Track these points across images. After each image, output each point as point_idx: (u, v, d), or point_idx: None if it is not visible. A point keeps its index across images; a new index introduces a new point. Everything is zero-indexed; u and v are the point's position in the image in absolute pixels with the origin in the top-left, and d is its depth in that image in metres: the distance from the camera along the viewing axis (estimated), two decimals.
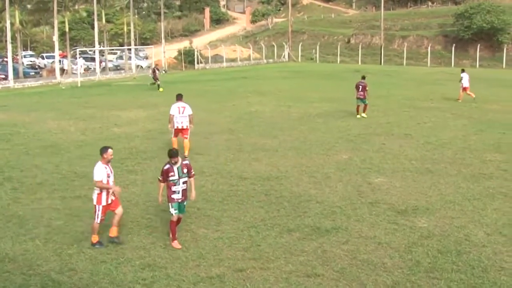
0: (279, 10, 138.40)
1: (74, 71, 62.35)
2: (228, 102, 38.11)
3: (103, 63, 71.32)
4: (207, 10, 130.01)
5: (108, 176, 12.70)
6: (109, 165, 12.83)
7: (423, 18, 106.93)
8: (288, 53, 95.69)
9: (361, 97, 31.81)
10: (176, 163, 12.74)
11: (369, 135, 26.25)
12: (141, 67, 73.38)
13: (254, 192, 16.99)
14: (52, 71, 64.78)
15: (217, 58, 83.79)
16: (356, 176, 18.85)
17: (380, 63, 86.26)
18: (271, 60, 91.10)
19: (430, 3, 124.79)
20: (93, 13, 71.46)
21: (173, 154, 12.76)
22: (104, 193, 12.74)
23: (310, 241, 12.92)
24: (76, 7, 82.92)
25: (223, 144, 24.32)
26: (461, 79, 39.55)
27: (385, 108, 35.50)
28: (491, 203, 15.99)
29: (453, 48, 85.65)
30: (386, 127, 28.37)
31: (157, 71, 49.83)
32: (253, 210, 15.26)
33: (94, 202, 12.82)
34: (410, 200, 16.21)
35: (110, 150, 12.83)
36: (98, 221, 12.82)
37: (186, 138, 21.87)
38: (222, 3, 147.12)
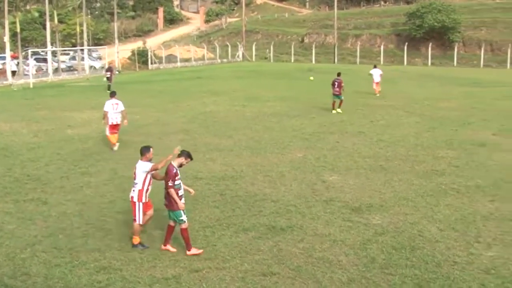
0: (233, 9, 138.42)
1: (26, 72, 61.42)
2: (183, 103, 37.98)
3: (56, 64, 70.35)
4: (160, 10, 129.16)
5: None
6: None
7: (376, 17, 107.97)
8: (242, 53, 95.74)
9: (337, 93, 33.53)
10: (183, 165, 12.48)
11: (323, 133, 26.43)
12: (95, 67, 72.67)
13: (209, 192, 16.98)
14: (3, 73, 63.71)
15: (171, 58, 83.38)
16: (311, 174, 18.97)
17: (334, 62, 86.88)
18: (225, 60, 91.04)
19: (382, 3, 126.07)
20: (45, 14, 70.37)
21: (190, 155, 12.52)
22: (144, 190, 12.61)
23: (265, 240, 12.95)
24: (28, 7, 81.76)
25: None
26: (371, 74, 41.05)
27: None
28: (443, 199, 16.24)
29: (405, 47, 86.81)
30: (340, 125, 28.59)
31: (111, 72, 49.31)
32: (208, 210, 15.25)
33: (135, 199, 12.66)
34: (364, 197, 16.37)
35: (152, 150, 12.87)
36: (141, 222, 12.74)
37: (116, 133, 23.30)
38: (176, 3, 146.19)
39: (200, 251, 12.31)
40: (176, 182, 12.18)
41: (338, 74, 34.71)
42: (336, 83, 33.61)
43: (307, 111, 33.03)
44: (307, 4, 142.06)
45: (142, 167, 12.54)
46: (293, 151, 22.58)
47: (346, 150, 22.70)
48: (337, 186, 17.55)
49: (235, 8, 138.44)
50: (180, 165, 12.37)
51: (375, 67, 44.10)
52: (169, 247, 12.56)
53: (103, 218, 14.69)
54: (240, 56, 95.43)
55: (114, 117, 23.13)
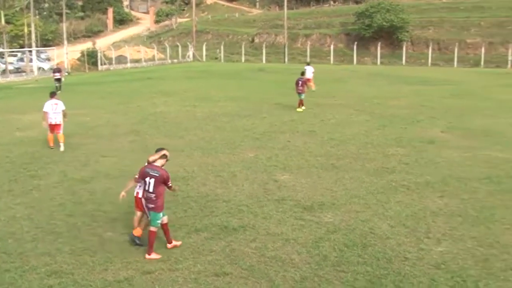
0: (183, 10, 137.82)
1: None
2: (133, 103, 37.69)
3: (3, 66, 69.17)
4: (110, 11, 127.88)
5: None
6: None
7: (325, 17, 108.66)
8: (193, 53, 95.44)
9: (300, 92, 34.13)
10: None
11: (274, 132, 26.50)
12: (43, 69, 71.62)
13: None
14: None
15: (121, 59, 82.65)
16: (262, 174, 19.00)
17: (284, 62, 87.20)
18: (175, 60, 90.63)
19: (332, 2, 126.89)
20: None
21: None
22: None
23: (218, 241, 12.94)
24: None
25: (129, 145, 24.07)
26: (304, 71, 40.73)
27: (290, 105, 35.88)
28: (394, 196, 16.43)
29: (355, 46, 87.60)
30: (291, 125, 28.70)
31: (60, 72, 48.64)
32: None
33: (140, 195, 12.76)
34: (315, 196, 16.47)
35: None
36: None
37: (59, 133, 23.41)
38: (126, 3, 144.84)
39: (158, 256, 12.15)
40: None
41: (302, 74, 35.82)
42: (300, 81, 34.34)
43: (258, 111, 33.09)
44: (257, 4, 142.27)
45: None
46: (244, 151, 22.60)
47: (297, 149, 22.80)
48: (288, 185, 17.61)
49: (185, 8, 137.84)
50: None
51: (308, 64, 46.90)
52: (174, 242, 12.62)
53: (53, 222, 14.48)
54: (191, 56, 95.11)
55: (54, 117, 23.20)
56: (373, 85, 49.82)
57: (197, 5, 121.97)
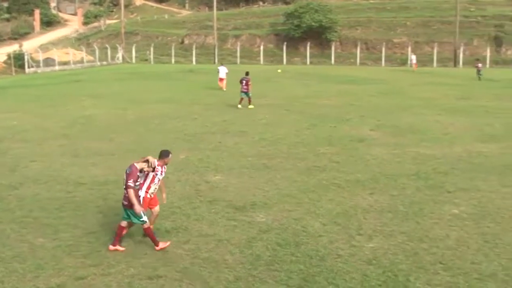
0: (112, 11, 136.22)
1: None
2: (62, 107, 37.06)
3: None
4: (36, 12, 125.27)
5: (156, 174, 12.90)
6: (164, 168, 13.10)
7: (255, 18, 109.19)
8: (122, 55, 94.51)
9: (245, 90, 35.62)
10: None
11: (205, 134, 26.48)
12: None
13: (92, 197, 16.65)
14: None
15: (49, 62, 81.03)
16: (194, 175, 18.96)
17: (215, 63, 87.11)
18: (105, 63, 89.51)
19: (261, 3, 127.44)
20: None
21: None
22: (146, 184, 12.78)
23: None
24: None
25: (58, 150, 23.65)
26: (218, 71, 44.28)
27: (220, 106, 35.96)
28: (325, 194, 16.62)
29: (284, 47, 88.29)
30: (222, 125, 28.73)
31: None
32: (91, 215, 14.96)
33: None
34: (247, 196, 16.51)
35: (171, 155, 13.29)
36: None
37: None
38: (53, 4, 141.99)
39: (168, 243, 12.58)
40: (137, 184, 12.26)
41: (247, 73, 36.63)
42: (244, 81, 35.66)
43: (188, 112, 33.01)
44: (187, 5, 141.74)
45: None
46: (176, 153, 22.37)
47: (229, 150, 22.84)
48: (220, 186, 17.62)
49: (114, 10, 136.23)
50: (141, 170, 12.45)
51: (221, 64, 49.12)
52: (118, 247, 12.52)
53: None
54: (120, 58, 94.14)
55: None
56: (303, 85, 50.28)
57: (126, 6, 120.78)
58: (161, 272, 11.39)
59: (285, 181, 18.10)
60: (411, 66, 76.06)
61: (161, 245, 12.49)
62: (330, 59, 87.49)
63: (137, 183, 12.33)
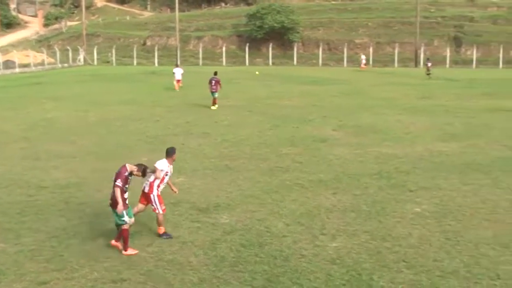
0: (73, 13, 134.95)
1: None
2: (22, 110, 36.61)
3: None
4: None
5: (166, 174, 13.31)
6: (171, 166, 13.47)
7: (217, 19, 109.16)
8: (84, 57, 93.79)
9: (214, 90, 35.89)
10: None
11: (168, 135, 26.38)
12: None
13: (54, 200, 16.48)
14: None
15: (8, 64, 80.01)
16: None
17: (177, 65, 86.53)
18: (66, 65, 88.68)
19: (223, 4, 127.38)
20: None
21: (145, 172, 12.78)
22: (156, 183, 13.21)
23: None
24: None
25: (19, 153, 23.35)
26: (174, 73, 46.78)
27: (182, 108, 35.88)
28: (288, 195, 16.68)
29: (246, 48, 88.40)
30: (185, 127, 28.67)
31: None
32: (54, 219, 14.79)
33: (146, 190, 13.31)
34: (211, 197, 16.50)
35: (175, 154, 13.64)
36: (161, 211, 13.32)
37: None
38: (13, 6, 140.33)
39: (136, 251, 12.44)
40: (126, 186, 12.36)
41: (215, 73, 37.21)
42: (213, 81, 36.01)
43: (151, 114, 32.89)
44: (149, 6, 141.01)
45: (163, 166, 13.22)
46: (138, 155, 22.29)
47: (192, 152, 22.79)
48: (183, 187, 17.54)
49: (75, 11, 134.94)
50: (131, 173, 12.49)
51: (177, 66, 51.35)
52: (131, 251, 12.51)
53: None
54: (82, 60, 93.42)
55: None
56: (265, 86, 50.40)
57: (87, 8, 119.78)
58: (125, 275, 11.32)
59: (248, 182, 18.12)
60: (364, 65, 76.61)
61: (130, 251, 12.41)
62: (293, 60, 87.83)
63: (126, 186, 12.39)
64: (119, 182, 12.17)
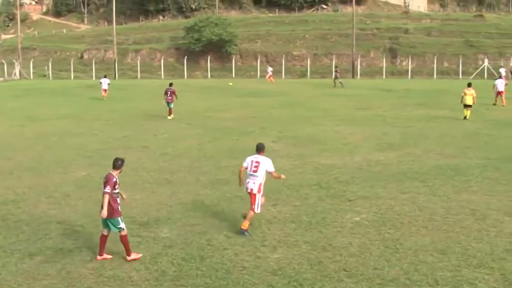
0: (8, 25, 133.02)
1: None
2: None
3: None
4: None
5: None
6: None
7: (155, 32, 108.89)
8: (20, 71, 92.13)
9: (169, 101, 37.15)
10: None
11: (107, 149, 26.10)
12: None
13: None
14: None
15: None
16: (96, 192, 18.44)
17: (115, 78, 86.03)
18: (1, 79, 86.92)
19: (161, 17, 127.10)
20: None
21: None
22: (263, 184, 14.28)
23: (53, 264, 12.54)
24: None
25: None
26: (101, 83, 50.91)
27: (121, 122, 35.60)
28: (229, 207, 16.70)
29: (185, 60, 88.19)
30: (124, 141, 28.43)
31: None
32: None
33: (255, 191, 14.18)
34: (151, 211, 16.38)
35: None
36: (258, 211, 14.37)
37: None
38: None
39: (139, 255, 12.77)
40: (115, 191, 12.52)
41: (170, 84, 38.71)
42: (168, 92, 37.28)
43: (89, 128, 32.52)
44: (85, 19, 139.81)
45: (267, 164, 14.33)
46: (77, 170, 22.08)
47: (131, 165, 22.50)
48: (123, 202, 17.38)
49: (10, 24, 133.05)
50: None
51: (105, 76, 54.53)
52: (105, 255, 12.65)
53: None
54: (17, 74, 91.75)
55: None
56: (204, 99, 50.39)
57: (22, 21, 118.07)
58: None
59: (189, 195, 18.06)
60: (270, 77, 76.12)
61: (133, 255, 12.61)
62: (231, 72, 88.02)
63: (116, 191, 12.54)
64: (107, 189, 12.34)
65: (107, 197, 12.25)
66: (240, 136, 29.28)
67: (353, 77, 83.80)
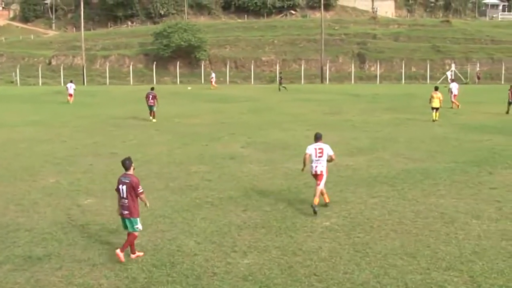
0: None
1: None
2: None
3: None
4: None
5: None
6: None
7: (123, 38, 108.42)
8: None
9: (151, 104, 38.64)
10: None
11: (76, 156, 25.92)
12: None
13: None
14: None
15: None
16: (65, 199, 18.51)
17: (84, 84, 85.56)
18: None
19: (130, 23, 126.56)
20: None
21: None
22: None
23: (22, 272, 12.42)
24: None
25: None
26: (67, 88, 53.16)
27: (90, 128, 35.36)
28: (198, 213, 16.65)
29: (154, 66, 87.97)
30: (93, 147, 28.23)
31: None
32: None
33: (324, 172, 16.64)
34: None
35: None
36: (323, 187, 16.69)
37: None
38: None
39: (141, 253, 13.25)
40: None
41: (152, 89, 40.14)
42: (150, 95, 38.60)
43: (58, 135, 32.25)
44: (54, 25, 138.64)
45: (328, 149, 16.73)
46: (45, 177, 21.88)
47: (100, 172, 22.46)
48: (93, 209, 17.30)
49: None
50: None
51: (71, 81, 56.55)
52: (138, 253, 13.23)
53: None
54: None
55: None
56: (174, 104, 50.17)
57: None
58: None
59: (158, 202, 17.97)
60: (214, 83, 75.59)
61: (138, 253, 13.13)
62: (200, 77, 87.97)
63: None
64: (141, 189, 13.02)
65: (144, 194, 13.06)
66: (209, 142, 29.25)
67: (322, 82, 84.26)
